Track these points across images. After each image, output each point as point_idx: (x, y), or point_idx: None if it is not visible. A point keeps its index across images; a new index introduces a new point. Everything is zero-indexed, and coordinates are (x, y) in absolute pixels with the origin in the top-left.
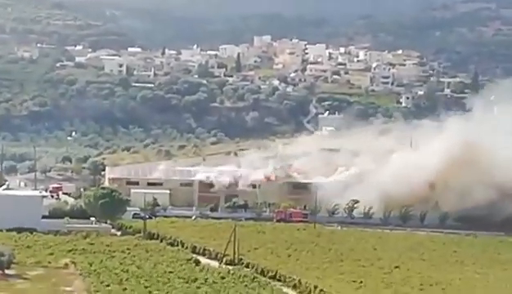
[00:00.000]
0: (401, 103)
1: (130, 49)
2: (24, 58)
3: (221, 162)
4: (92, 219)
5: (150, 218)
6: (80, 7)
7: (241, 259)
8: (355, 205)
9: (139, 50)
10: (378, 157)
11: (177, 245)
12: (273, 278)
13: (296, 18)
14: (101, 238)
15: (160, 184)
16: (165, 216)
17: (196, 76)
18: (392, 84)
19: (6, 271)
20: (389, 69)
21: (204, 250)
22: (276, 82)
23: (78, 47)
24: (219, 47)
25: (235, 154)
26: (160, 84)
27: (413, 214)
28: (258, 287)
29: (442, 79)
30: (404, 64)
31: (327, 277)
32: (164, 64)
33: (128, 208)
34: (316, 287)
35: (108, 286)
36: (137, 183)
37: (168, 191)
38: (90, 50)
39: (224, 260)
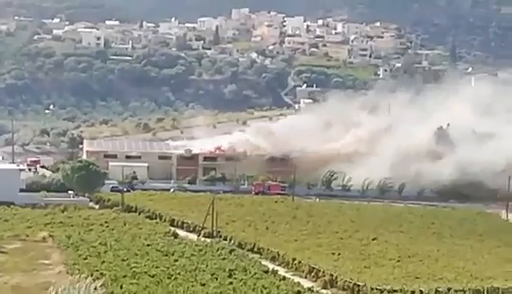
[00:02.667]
0: (378, 75)
1: (108, 22)
2: (1, 31)
3: (199, 135)
4: (70, 192)
5: (128, 191)
6: None
7: (219, 231)
8: (332, 177)
9: (117, 22)
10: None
11: (156, 218)
12: (251, 250)
13: None
14: (78, 212)
15: (138, 157)
16: (143, 189)
17: (174, 49)
18: (370, 56)
19: None
20: (367, 42)
21: (183, 223)
22: (254, 55)
23: (56, 20)
24: (197, 20)
25: (214, 127)
26: (138, 57)
27: (391, 186)
28: (237, 259)
29: (419, 51)
30: (382, 37)
31: (305, 249)
32: (142, 36)
33: (106, 181)
34: (294, 260)
35: (86, 259)
36: (115, 156)
37: (146, 164)
38: (67, 22)
39: (202, 232)
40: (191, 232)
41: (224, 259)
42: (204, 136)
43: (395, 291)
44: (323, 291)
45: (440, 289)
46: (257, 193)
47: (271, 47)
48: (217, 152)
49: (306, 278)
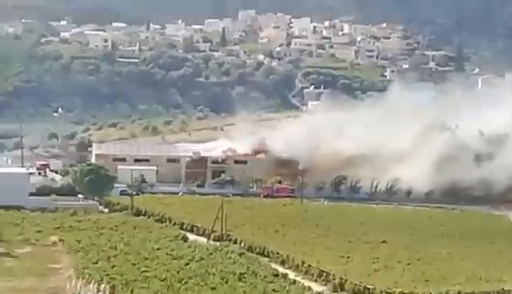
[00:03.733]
0: (385, 76)
1: (115, 24)
2: (8, 34)
3: (207, 138)
4: (80, 196)
5: (138, 194)
6: None
7: (229, 235)
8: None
9: (124, 25)
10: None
11: (165, 221)
12: (261, 253)
13: None
14: (88, 215)
15: (147, 160)
16: (152, 193)
17: (181, 51)
18: (377, 58)
19: None
20: (374, 43)
21: (192, 226)
22: (261, 57)
23: (63, 23)
24: (204, 22)
25: (222, 129)
26: (145, 59)
27: (399, 188)
28: (246, 262)
29: (426, 52)
30: (389, 38)
31: (314, 252)
32: (149, 38)
33: (115, 185)
34: (303, 263)
35: (96, 263)
36: (124, 159)
37: (155, 167)
38: (74, 25)
39: (212, 236)
40: (201, 235)
41: (234, 262)
42: (212, 139)
43: None
44: None
45: (450, 292)
46: (266, 196)
47: (278, 49)
48: (228, 154)
49: (316, 281)
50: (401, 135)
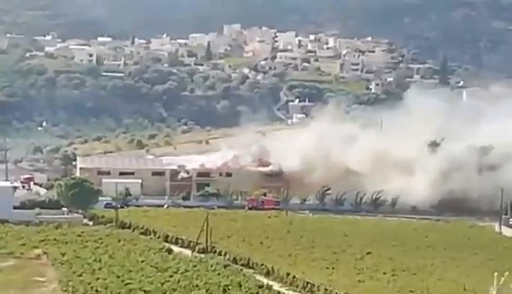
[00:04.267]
0: (370, 89)
1: (99, 38)
2: None
3: (191, 151)
4: (64, 209)
5: (122, 207)
6: None
7: (214, 247)
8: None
9: (109, 39)
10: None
11: (150, 234)
12: (246, 265)
13: (264, 5)
14: (73, 228)
15: (132, 173)
16: (137, 206)
17: (166, 65)
18: (362, 71)
19: None
20: (359, 56)
21: (177, 239)
22: (246, 71)
23: (48, 37)
24: (189, 36)
25: (207, 143)
26: (130, 73)
27: (384, 200)
28: (231, 274)
29: (411, 65)
30: (373, 51)
31: (299, 264)
32: (134, 53)
33: (99, 198)
34: (288, 274)
35: (80, 275)
36: (109, 173)
37: (139, 180)
38: (59, 40)
39: (197, 248)
40: (186, 248)
41: (219, 274)
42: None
43: None
44: None
45: None
46: (250, 209)
47: (263, 63)
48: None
49: (300, 292)
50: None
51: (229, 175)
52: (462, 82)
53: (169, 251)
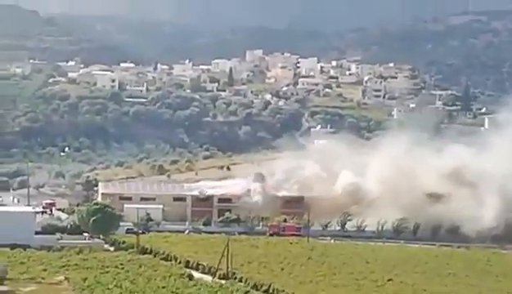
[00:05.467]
0: (393, 116)
1: (122, 64)
2: (16, 74)
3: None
4: (85, 234)
5: (144, 233)
6: (72, 23)
7: (234, 273)
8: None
9: (131, 65)
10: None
11: (171, 260)
12: (267, 292)
13: (287, 32)
14: (94, 254)
15: (153, 199)
16: (158, 231)
17: (189, 91)
18: (384, 97)
19: (0, 287)
20: (381, 82)
21: (198, 264)
22: (268, 96)
23: (71, 63)
24: (211, 62)
25: (228, 169)
26: (153, 99)
27: (406, 226)
28: None
29: (433, 92)
30: (395, 77)
31: (320, 290)
32: (157, 78)
33: (121, 223)
34: None
35: None
36: (130, 198)
37: (161, 206)
38: (82, 65)
39: (217, 274)
40: (206, 273)
41: None
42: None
43: None
44: None
45: None
46: (271, 235)
47: (285, 88)
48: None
49: None
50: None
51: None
52: (484, 109)
53: (190, 276)
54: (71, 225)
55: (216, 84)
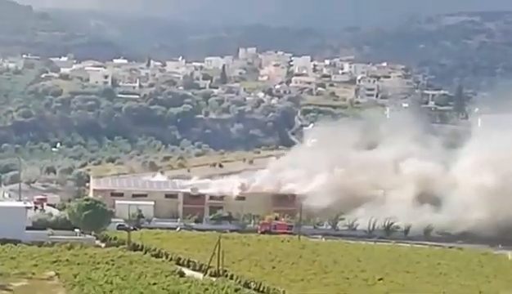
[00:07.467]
0: (385, 115)
1: (115, 60)
2: (9, 69)
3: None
4: (77, 230)
5: (135, 229)
6: (65, 18)
7: (225, 271)
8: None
9: (124, 61)
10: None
11: (162, 256)
12: (257, 290)
13: (281, 30)
14: (85, 250)
15: (145, 195)
16: (150, 228)
17: (181, 87)
18: (377, 96)
19: None
20: (374, 82)
21: (189, 261)
22: (261, 94)
23: (63, 58)
24: (204, 59)
25: (220, 166)
26: (145, 95)
27: (397, 226)
28: None
29: (426, 92)
30: (389, 77)
31: (311, 289)
32: (149, 75)
33: (112, 220)
34: None
35: None
36: (122, 194)
37: (152, 202)
38: (75, 61)
39: (208, 271)
40: (197, 271)
41: None
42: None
43: None
44: None
45: None
46: (263, 233)
47: (277, 87)
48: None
49: None
50: None
51: (242, 198)
52: (477, 110)
53: (181, 274)
54: (62, 221)
55: (209, 81)
